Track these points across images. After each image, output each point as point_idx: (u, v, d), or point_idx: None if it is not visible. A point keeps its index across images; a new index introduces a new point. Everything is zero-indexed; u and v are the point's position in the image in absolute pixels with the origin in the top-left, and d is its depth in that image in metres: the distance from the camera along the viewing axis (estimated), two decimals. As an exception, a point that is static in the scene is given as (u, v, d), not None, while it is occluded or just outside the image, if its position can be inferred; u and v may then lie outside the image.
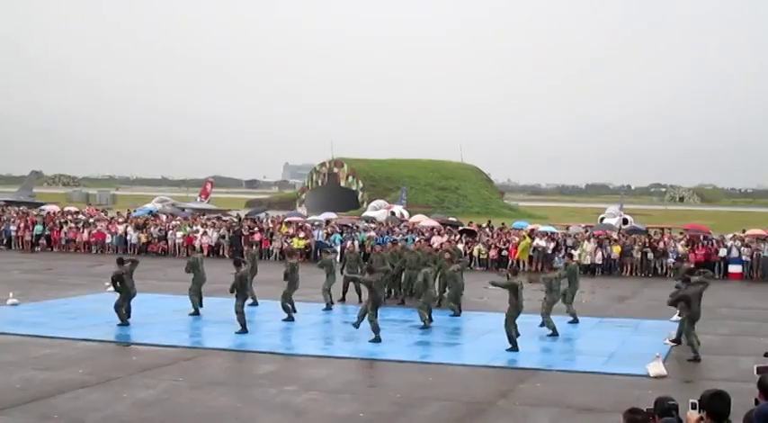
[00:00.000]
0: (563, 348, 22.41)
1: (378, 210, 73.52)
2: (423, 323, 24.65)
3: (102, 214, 58.39)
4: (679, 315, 22.38)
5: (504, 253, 42.98)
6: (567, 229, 52.63)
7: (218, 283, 27.67)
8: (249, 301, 25.24)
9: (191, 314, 25.91)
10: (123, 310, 23.97)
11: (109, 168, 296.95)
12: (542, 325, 23.80)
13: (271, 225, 50.00)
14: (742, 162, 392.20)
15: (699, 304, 21.29)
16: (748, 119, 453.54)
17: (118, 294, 24.21)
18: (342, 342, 22.75)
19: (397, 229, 48.89)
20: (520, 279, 22.21)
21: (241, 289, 23.40)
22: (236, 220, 54.67)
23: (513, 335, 21.22)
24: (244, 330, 22.97)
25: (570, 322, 25.43)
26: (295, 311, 25.55)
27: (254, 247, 34.83)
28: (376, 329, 22.18)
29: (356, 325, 22.96)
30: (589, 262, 41.42)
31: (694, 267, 24.20)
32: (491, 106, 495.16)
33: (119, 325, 23.68)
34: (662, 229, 53.94)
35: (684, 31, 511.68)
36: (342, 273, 29.81)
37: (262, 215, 61.61)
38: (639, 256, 41.75)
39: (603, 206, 78.06)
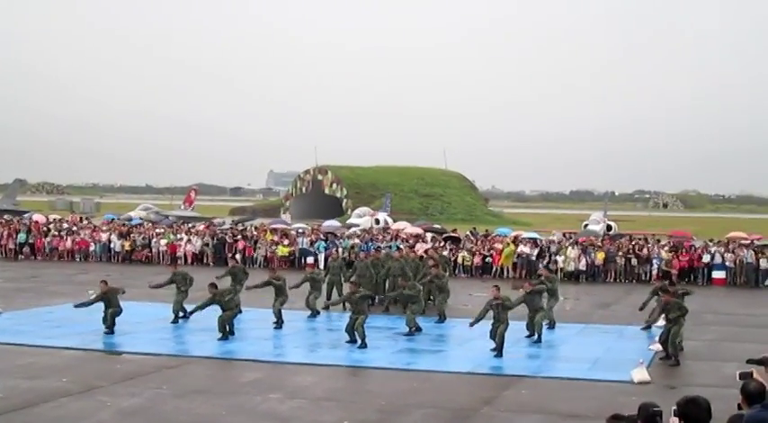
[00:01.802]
0: (547, 355, 22.46)
1: (362, 217, 73.51)
2: (408, 329, 24.70)
3: (86, 222, 58.09)
4: (666, 320, 22.37)
5: (488, 260, 43.03)
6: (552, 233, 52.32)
7: (202, 291, 27.57)
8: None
9: (172, 322, 25.94)
10: (110, 319, 24.00)
11: (93, 176, 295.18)
12: (530, 336, 23.89)
13: (255, 232, 49.95)
14: (725, 168, 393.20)
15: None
16: (732, 125, 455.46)
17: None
18: (327, 349, 22.75)
19: (380, 237, 48.90)
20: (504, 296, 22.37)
21: (229, 303, 23.67)
22: (229, 226, 55.00)
23: (499, 341, 21.41)
24: (224, 337, 23.07)
25: (547, 327, 25.52)
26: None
27: (237, 261, 35.13)
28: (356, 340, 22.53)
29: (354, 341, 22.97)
30: (573, 268, 41.55)
31: (670, 283, 24.65)
32: (475, 113, 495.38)
33: (105, 333, 23.65)
34: (630, 236, 52.87)
35: (672, 43, 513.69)
36: (325, 281, 29.85)
37: (248, 223, 61.57)
38: (623, 262, 41.88)
39: (588, 213, 78.30)
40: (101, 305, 24.41)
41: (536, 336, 23.75)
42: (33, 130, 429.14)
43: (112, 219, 62.64)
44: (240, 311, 25.04)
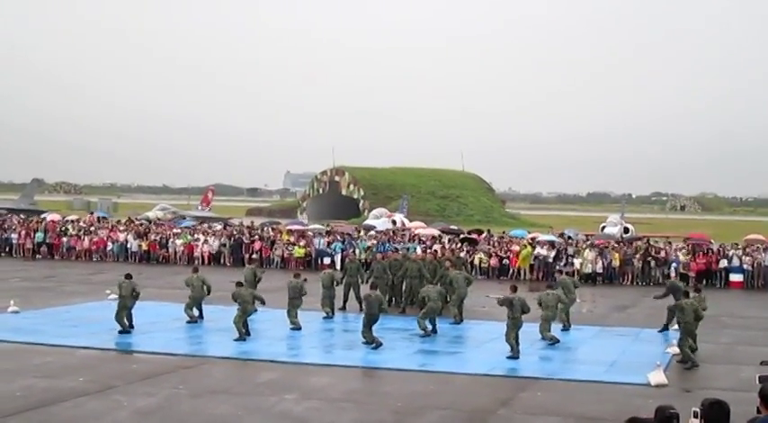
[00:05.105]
0: (564, 357, 22.37)
1: (379, 218, 73.36)
2: (422, 331, 24.66)
3: (104, 221, 58.31)
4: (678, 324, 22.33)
5: (506, 262, 42.94)
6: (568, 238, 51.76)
7: (219, 292, 27.60)
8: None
9: (188, 322, 25.96)
10: (123, 319, 24.06)
11: (110, 176, 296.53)
12: (543, 339, 23.80)
13: (272, 233, 49.99)
14: (743, 171, 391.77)
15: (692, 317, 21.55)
16: (749, 127, 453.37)
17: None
18: (343, 350, 22.75)
19: (398, 238, 48.86)
20: (516, 295, 22.15)
21: (242, 303, 23.72)
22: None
23: (513, 343, 21.33)
24: (241, 338, 23.10)
25: (562, 329, 25.41)
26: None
27: (254, 261, 35.33)
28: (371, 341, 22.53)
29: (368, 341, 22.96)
30: (590, 270, 41.42)
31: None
32: (492, 115, 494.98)
33: (119, 332, 23.73)
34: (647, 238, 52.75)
35: (686, 41, 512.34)
36: (341, 282, 29.86)
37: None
38: (640, 264, 41.73)
39: (605, 215, 77.96)
40: (114, 305, 24.61)
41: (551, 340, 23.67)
42: (52, 133, 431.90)
43: (104, 216, 63.75)
44: (255, 310, 25.07)
